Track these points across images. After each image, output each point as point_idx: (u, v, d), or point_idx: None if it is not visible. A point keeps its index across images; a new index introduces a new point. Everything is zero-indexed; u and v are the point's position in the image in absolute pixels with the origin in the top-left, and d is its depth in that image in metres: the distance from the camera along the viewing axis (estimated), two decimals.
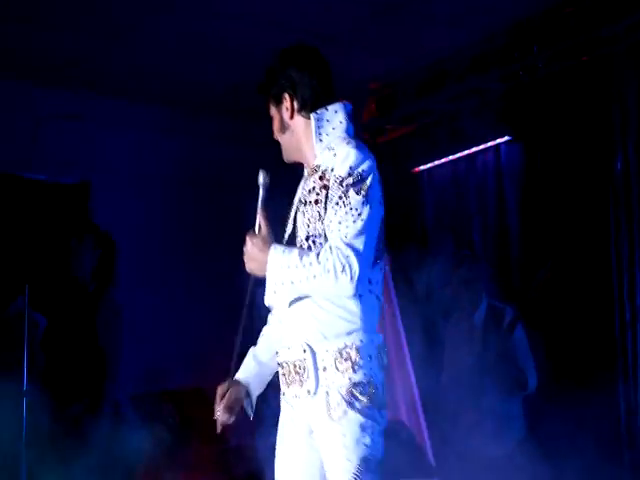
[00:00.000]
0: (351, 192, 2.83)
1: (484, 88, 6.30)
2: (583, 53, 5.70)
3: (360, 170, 2.86)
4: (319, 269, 2.76)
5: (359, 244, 2.78)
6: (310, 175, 3.04)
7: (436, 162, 6.94)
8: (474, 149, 6.65)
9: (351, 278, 2.75)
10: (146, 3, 5.45)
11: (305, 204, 2.99)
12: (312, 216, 2.93)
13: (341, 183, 2.85)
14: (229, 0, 5.43)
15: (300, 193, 3.12)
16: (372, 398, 2.85)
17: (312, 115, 3.05)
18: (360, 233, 2.80)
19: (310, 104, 3.07)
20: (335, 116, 3.07)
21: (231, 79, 6.42)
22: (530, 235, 6.24)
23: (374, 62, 6.42)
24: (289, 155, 3.17)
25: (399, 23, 5.77)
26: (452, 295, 5.87)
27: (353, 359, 2.85)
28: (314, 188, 2.97)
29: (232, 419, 3.14)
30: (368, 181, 2.86)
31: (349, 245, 2.77)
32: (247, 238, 2.93)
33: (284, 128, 3.13)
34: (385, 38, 6.02)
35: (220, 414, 3.12)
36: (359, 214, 2.81)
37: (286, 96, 3.09)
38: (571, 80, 5.86)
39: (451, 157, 6.82)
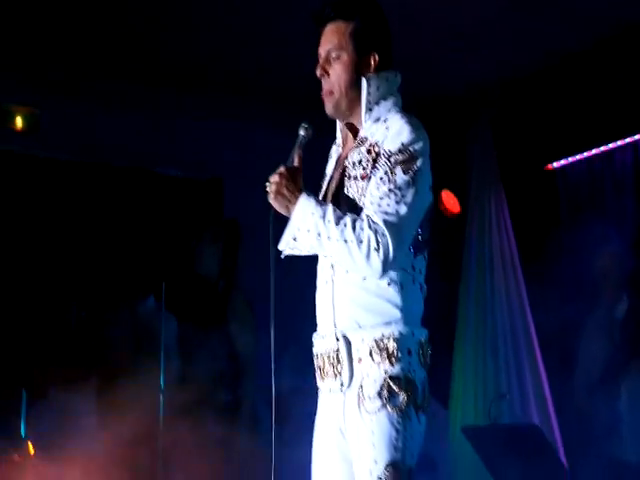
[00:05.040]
0: (398, 170, 2.64)
1: (622, 81, 6.11)
2: None
3: (412, 149, 2.66)
4: (352, 236, 2.57)
5: (398, 227, 2.59)
6: (355, 147, 2.82)
7: (570, 159, 6.76)
8: (611, 145, 6.44)
9: (384, 260, 2.57)
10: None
11: (350, 178, 2.78)
12: (357, 192, 2.73)
13: (389, 158, 2.67)
14: None
15: (336, 165, 2.93)
16: (410, 396, 2.63)
17: (363, 79, 2.80)
18: (401, 215, 2.60)
19: (378, 68, 2.83)
20: (385, 85, 2.83)
21: None
22: None
23: (504, 58, 6.32)
24: (339, 111, 2.87)
25: (529, 18, 5.69)
26: (593, 289, 5.74)
27: (390, 350, 2.64)
28: (360, 162, 2.75)
29: None
30: (418, 162, 2.67)
31: (388, 225, 2.58)
32: (279, 170, 2.75)
33: (355, 81, 2.82)
34: (513, 35, 5.95)
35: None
36: (403, 195, 2.62)
37: (374, 54, 2.83)
38: None
39: (586, 154, 6.62)
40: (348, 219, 2.61)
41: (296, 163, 2.81)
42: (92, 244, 6.32)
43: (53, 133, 6.41)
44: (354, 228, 2.59)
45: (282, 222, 2.79)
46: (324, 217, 2.62)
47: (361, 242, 2.57)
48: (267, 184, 2.76)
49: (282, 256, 2.83)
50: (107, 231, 6.40)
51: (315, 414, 2.89)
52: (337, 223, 2.60)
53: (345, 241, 2.58)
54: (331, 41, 2.84)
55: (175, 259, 5.92)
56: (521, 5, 5.55)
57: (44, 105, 6.35)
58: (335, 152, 3.05)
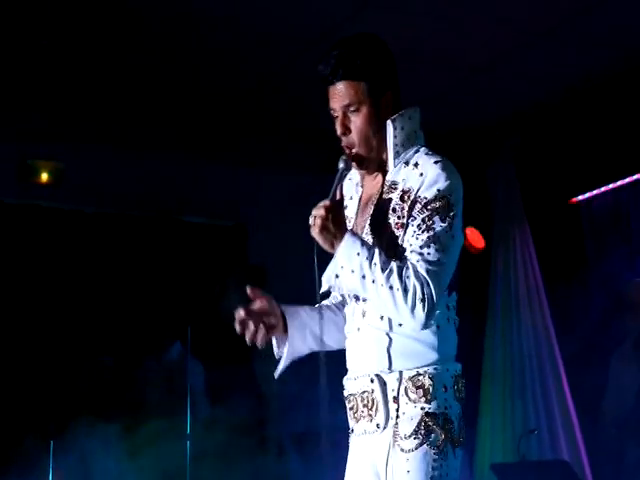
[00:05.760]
0: (436, 218, 2.58)
1: None
2: None
3: (448, 196, 2.61)
4: (398, 284, 2.50)
5: (440, 276, 2.53)
6: (386, 192, 2.73)
7: (595, 192, 6.71)
8: (636, 176, 6.37)
9: (428, 313, 2.51)
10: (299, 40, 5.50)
11: (381, 225, 2.70)
12: (390, 240, 2.65)
13: (426, 206, 2.60)
14: None
15: (359, 207, 2.84)
16: (447, 433, 2.57)
17: (389, 123, 2.71)
18: (442, 264, 2.54)
19: (394, 102, 2.74)
20: (409, 124, 2.76)
21: None
22: None
23: (525, 91, 6.33)
24: (369, 163, 2.78)
25: (551, 49, 5.71)
26: (619, 322, 5.68)
27: (426, 387, 2.58)
28: (395, 210, 2.68)
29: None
30: (455, 210, 2.62)
31: (431, 275, 2.51)
32: (324, 203, 2.60)
33: (378, 128, 2.73)
34: (534, 67, 5.97)
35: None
36: (442, 243, 2.56)
37: (389, 93, 2.74)
38: None
39: (611, 186, 6.57)
40: (394, 265, 2.53)
41: (338, 197, 2.69)
42: (120, 292, 6.36)
43: (78, 185, 6.48)
44: (400, 275, 2.51)
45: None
46: (371, 260, 2.53)
47: (407, 291, 2.50)
48: (311, 217, 2.62)
49: (320, 292, 2.72)
50: (134, 279, 6.45)
51: (346, 453, 2.82)
52: (383, 268, 2.52)
53: (390, 287, 2.51)
54: (347, 95, 2.72)
55: (200, 305, 5.92)
56: (544, 35, 5.55)
57: (69, 157, 6.41)
58: (354, 191, 2.93)
